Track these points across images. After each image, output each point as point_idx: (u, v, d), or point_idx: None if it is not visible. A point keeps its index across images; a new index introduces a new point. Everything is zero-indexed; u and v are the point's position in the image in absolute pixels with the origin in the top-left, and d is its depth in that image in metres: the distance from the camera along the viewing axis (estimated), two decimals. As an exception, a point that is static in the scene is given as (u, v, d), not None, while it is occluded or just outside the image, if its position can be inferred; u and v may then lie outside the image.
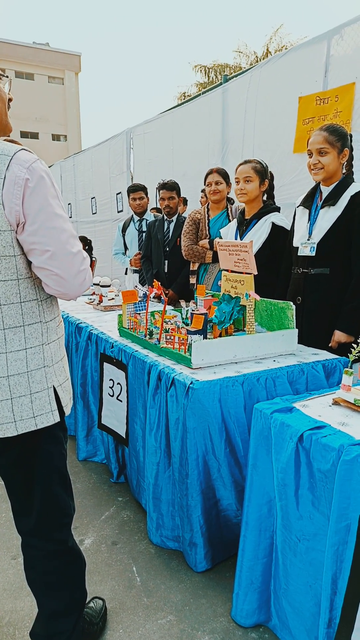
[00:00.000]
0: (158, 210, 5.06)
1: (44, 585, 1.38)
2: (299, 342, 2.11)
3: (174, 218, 3.78)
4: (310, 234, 2.23)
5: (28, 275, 1.15)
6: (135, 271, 4.37)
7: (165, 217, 3.82)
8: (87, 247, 4.67)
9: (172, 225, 3.77)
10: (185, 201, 5.38)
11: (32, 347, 1.18)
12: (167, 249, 3.75)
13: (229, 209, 3.27)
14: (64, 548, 1.38)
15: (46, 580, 1.37)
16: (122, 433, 2.24)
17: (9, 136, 1.25)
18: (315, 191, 2.30)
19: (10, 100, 1.25)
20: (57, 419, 1.26)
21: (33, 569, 1.38)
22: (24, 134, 30.48)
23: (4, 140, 1.18)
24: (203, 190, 4.93)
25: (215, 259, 3.16)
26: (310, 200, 2.30)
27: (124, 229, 4.43)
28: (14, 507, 1.34)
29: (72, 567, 1.41)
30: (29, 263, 1.15)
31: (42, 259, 1.13)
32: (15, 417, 1.17)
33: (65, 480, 1.37)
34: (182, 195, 5.28)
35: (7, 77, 1.24)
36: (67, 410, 1.31)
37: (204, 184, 3.26)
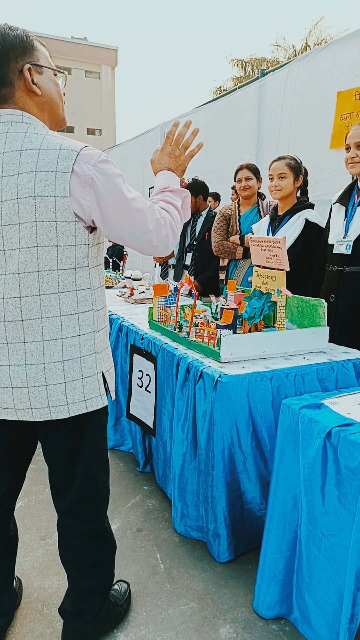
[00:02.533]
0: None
1: (78, 564, 1.44)
2: (331, 341, 2.10)
3: (203, 213, 3.77)
4: (346, 231, 2.21)
5: (84, 264, 1.20)
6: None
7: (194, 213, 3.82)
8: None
9: (200, 219, 3.77)
10: (217, 197, 5.37)
11: (85, 334, 1.23)
12: (194, 243, 3.77)
13: (260, 205, 3.26)
14: (99, 529, 1.43)
15: (80, 559, 1.43)
16: (150, 423, 2.28)
17: (63, 130, 1.31)
18: (352, 188, 2.27)
19: (63, 94, 1.30)
20: (105, 403, 1.32)
21: (68, 548, 1.44)
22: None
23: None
24: (233, 187, 4.92)
25: (246, 255, 3.16)
26: (347, 197, 2.27)
27: None
28: (54, 486, 1.40)
29: (105, 549, 1.47)
30: (87, 253, 1.20)
31: (126, 243, 1.23)
32: (68, 400, 1.23)
33: (106, 463, 1.43)
34: (216, 191, 5.27)
35: (62, 72, 1.29)
36: (112, 395, 1.36)
37: (234, 180, 3.25)
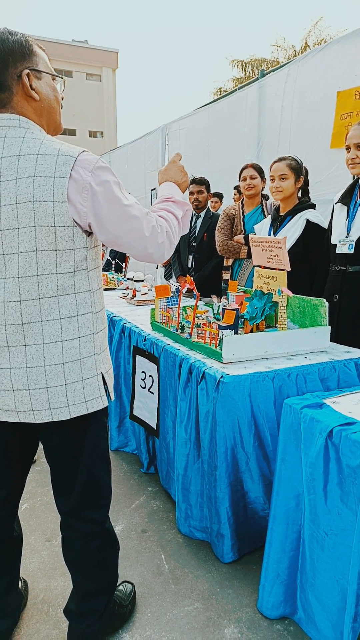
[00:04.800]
0: (192, 206, 5.09)
1: (81, 564, 1.45)
2: (336, 340, 2.10)
3: (202, 213, 3.78)
4: (348, 231, 2.21)
5: (83, 267, 1.22)
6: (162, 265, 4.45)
7: (194, 212, 3.84)
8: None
9: (199, 221, 3.78)
10: (220, 197, 5.37)
11: (84, 336, 1.24)
12: (194, 245, 3.78)
13: (264, 205, 3.27)
14: (102, 529, 1.44)
15: (83, 560, 1.44)
16: (153, 424, 2.29)
17: (65, 133, 1.33)
18: (354, 187, 2.27)
19: (61, 99, 1.31)
20: (106, 404, 1.33)
21: (71, 549, 1.45)
22: (61, 131, 30.96)
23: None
24: (235, 187, 4.92)
25: (250, 254, 3.17)
26: (348, 197, 2.27)
27: None
28: (56, 487, 1.41)
29: (108, 549, 1.48)
30: (85, 256, 1.21)
31: (122, 248, 1.26)
32: (69, 402, 1.24)
33: (107, 463, 1.44)
34: (218, 191, 5.28)
35: (61, 77, 1.30)
36: (112, 396, 1.38)
37: (239, 180, 3.26)
